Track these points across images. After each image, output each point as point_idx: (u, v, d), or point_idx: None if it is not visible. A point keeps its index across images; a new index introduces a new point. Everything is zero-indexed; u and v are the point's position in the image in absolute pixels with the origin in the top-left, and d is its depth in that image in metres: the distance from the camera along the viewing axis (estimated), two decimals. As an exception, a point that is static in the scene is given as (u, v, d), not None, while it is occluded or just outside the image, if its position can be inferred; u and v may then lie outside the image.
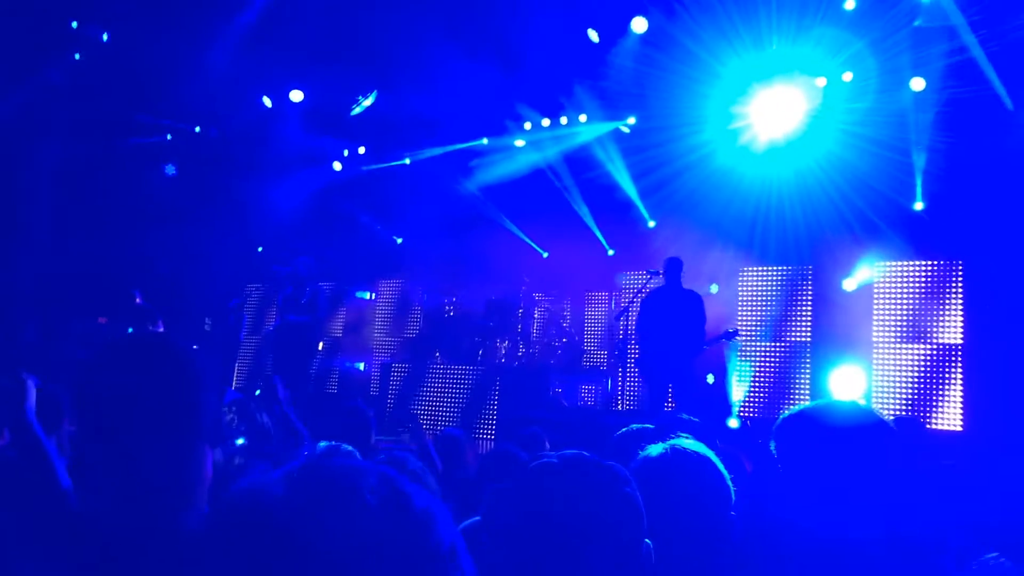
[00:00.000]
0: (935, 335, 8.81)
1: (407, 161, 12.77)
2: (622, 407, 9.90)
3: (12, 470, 2.61)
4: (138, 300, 10.22)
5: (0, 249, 11.74)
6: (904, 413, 8.49)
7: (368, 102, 12.09)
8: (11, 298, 11.74)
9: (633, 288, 10.09)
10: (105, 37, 11.22)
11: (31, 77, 11.37)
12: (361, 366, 12.84)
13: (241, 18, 10.59)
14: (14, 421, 2.57)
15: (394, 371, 11.20)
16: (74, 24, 11.11)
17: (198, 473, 1.71)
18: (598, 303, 11.48)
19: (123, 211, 12.13)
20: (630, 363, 9.76)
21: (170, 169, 12.23)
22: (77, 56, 11.45)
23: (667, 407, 8.72)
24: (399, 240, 13.12)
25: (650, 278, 9.24)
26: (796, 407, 2.33)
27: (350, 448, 3.30)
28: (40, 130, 12.05)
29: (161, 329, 10.25)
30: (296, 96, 12.11)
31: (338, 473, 0.99)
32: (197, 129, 13.09)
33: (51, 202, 12.17)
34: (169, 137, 13.16)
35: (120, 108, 12.21)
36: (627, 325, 9.65)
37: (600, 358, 11.13)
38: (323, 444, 3.36)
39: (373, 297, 13.24)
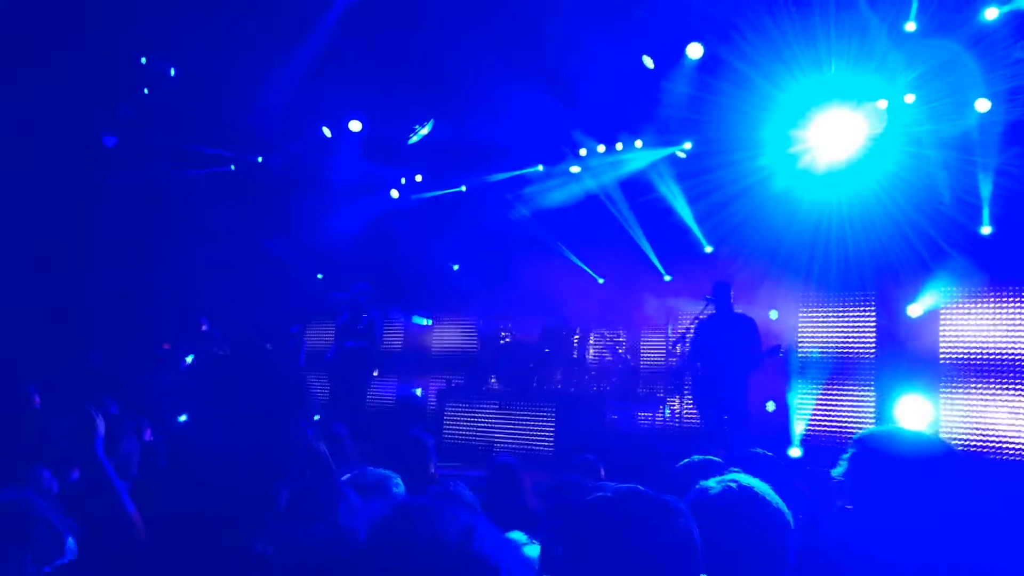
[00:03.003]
0: (1004, 362, 8.54)
1: (463, 188, 12.88)
2: (680, 435, 9.77)
3: (83, 502, 2.66)
4: (204, 327, 10.48)
5: (70, 274, 12.15)
6: (973, 444, 8.23)
7: (425, 131, 12.25)
8: (78, 322, 12.12)
9: (690, 314, 9.98)
10: (172, 72, 11.59)
11: (103, 112, 11.81)
12: (418, 392, 12.91)
13: (302, 51, 10.83)
14: (84, 457, 2.61)
15: (450, 397, 11.22)
16: (143, 60, 11.50)
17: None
18: (655, 329, 11.37)
19: (186, 239, 12.47)
20: (687, 390, 9.64)
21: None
22: (146, 91, 11.84)
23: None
24: (455, 267, 13.21)
25: (707, 304, 9.14)
26: (868, 430, 2.29)
27: (390, 473, 3.29)
28: (110, 161, 12.47)
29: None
30: (355, 126, 12.32)
31: (421, 524, 1.00)
32: (259, 159, 13.41)
33: (118, 230, 12.56)
34: (233, 168, 13.50)
35: (185, 139, 12.60)
36: (684, 352, 9.55)
37: (657, 385, 11.01)
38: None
39: (430, 323, 13.33)
